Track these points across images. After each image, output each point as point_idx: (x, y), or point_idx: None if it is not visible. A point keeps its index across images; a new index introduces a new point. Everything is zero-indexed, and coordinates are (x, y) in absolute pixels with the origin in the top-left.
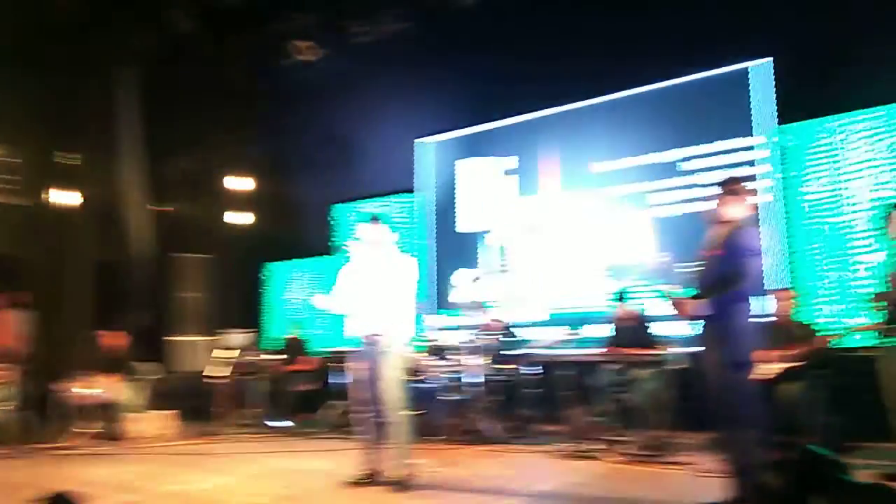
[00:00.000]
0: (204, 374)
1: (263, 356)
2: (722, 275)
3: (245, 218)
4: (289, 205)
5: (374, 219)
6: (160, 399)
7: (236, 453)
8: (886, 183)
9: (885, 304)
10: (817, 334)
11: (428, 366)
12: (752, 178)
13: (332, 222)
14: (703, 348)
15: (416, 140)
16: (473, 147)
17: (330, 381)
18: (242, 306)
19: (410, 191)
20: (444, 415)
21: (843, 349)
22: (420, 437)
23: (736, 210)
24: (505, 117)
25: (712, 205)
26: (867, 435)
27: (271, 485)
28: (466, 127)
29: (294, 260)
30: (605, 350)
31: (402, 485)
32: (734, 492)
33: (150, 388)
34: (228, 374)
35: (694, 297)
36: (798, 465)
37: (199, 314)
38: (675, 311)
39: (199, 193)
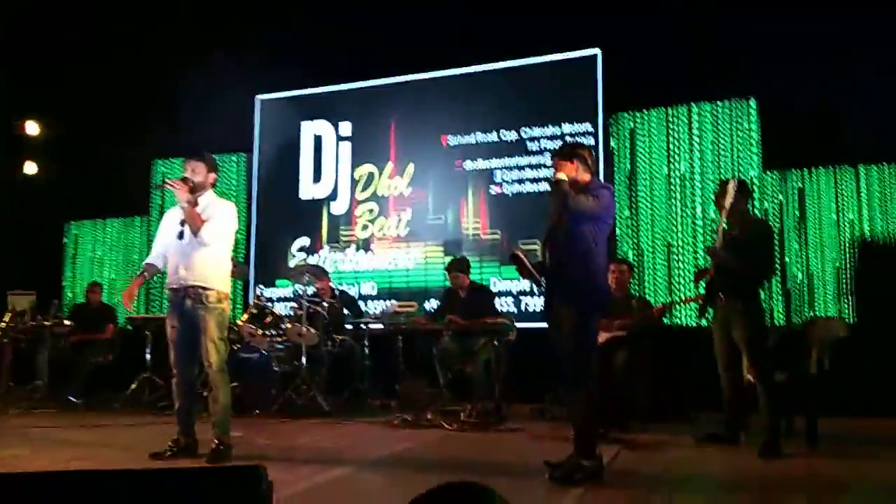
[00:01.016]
0: None
1: (54, 322)
2: (582, 235)
3: (45, 171)
4: (100, 158)
5: (192, 155)
6: None
7: (23, 427)
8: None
9: (706, 278)
10: (646, 306)
11: (255, 333)
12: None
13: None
14: (554, 307)
15: (258, 97)
16: (319, 109)
17: (145, 351)
18: (37, 268)
19: (248, 150)
20: (270, 385)
21: (672, 324)
22: (243, 408)
23: (581, 172)
24: (352, 81)
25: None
26: (694, 404)
27: (64, 455)
28: (311, 87)
29: (105, 219)
30: (442, 321)
31: (217, 456)
32: (574, 451)
33: None
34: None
35: (553, 257)
36: None
37: None
38: (530, 278)
39: None
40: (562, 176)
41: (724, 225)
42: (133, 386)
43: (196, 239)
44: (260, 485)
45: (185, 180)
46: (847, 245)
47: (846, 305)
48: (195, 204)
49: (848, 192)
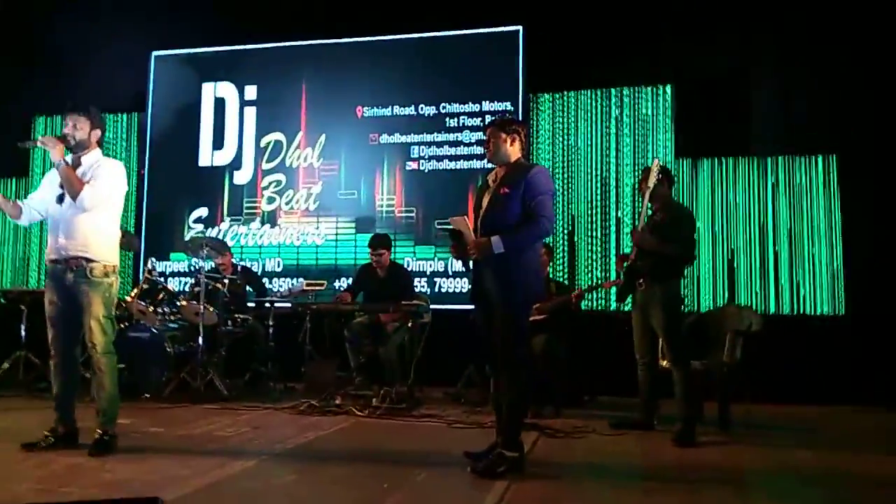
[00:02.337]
0: None
1: None
2: (520, 213)
3: None
4: None
5: (73, 108)
6: None
7: None
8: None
9: (626, 263)
10: (565, 290)
11: (146, 311)
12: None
13: (32, 138)
14: (487, 287)
15: (154, 53)
16: (222, 70)
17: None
18: None
19: (141, 110)
20: (162, 368)
21: (592, 309)
22: (132, 393)
23: (515, 149)
24: (261, 41)
25: (496, 144)
26: (608, 389)
27: None
28: (214, 45)
29: None
30: (352, 302)
31: (101, 448)
32: (498, 438)
33: None
34: None
35: (486, 236)
36: None
37: None
38: (463, 252)
39: None
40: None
41: (647, 209)
42: (6, 365)
43: (76, 203)
44: None
45: (63, 137)
46: (757, 234)
47: (760, 294)
48: (76, 165)
49: (757, 182)
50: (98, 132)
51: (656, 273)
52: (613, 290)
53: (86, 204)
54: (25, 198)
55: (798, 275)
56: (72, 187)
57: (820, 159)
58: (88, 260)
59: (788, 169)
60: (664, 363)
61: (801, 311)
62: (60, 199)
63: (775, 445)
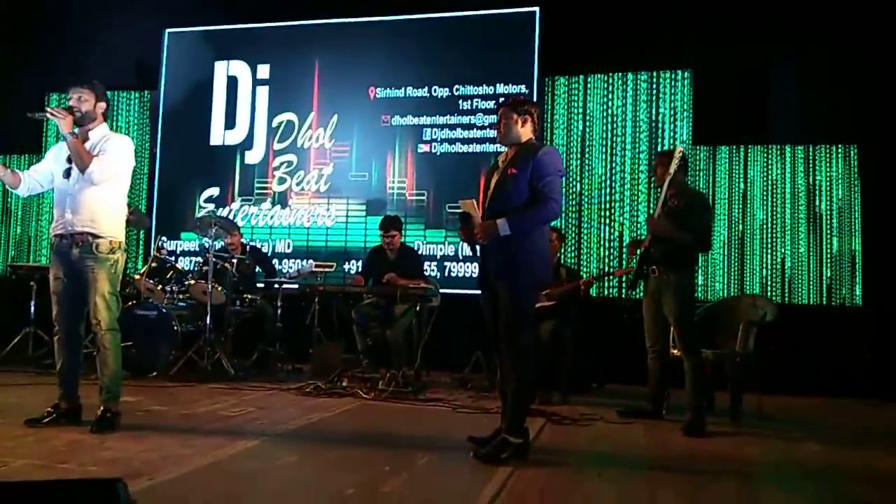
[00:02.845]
0: None
1: None
2: (528, 195)
3: None
4: None
5: (77, 81)
6: None
7: None
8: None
9: (639, 250)
10: (575, 277)
11: (154, 289)
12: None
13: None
14: (493, 271)
15: (167, 30)
16: (235, 49)
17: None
18: None
19: (154, 88)
20: (170, 346)
21: (602, 296)
22: (138, 370)
23: (527, 130)
24: (274, 19)
25: (507, 124)
26: (617, 377)
27: None
28: (227, 24)
29: None
30: (356, 283)
31: (103, 424)
32: (502, 424)
33: None
34: None
35: (494, 218)
36: None
37: None
38: (471, 236)
39: None
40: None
41: (664, 195)
42: (15, 340)
43: (84, 177)
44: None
45: (69, 110)
46: (776, 223)
47: (776, 284)
48: (84, 139)
49: (775, 171)
50: (103, 105)
51: (670, 261)
52: (624, 276)
53: (94, 177)
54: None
55: (815, 265)
56: (81, 160)
57: (840, 149)
58: (94, 236)
59: (808, 158)
60: (675, 352)
61: (818, 301)
62: (67, 174)
63: (785, 438)
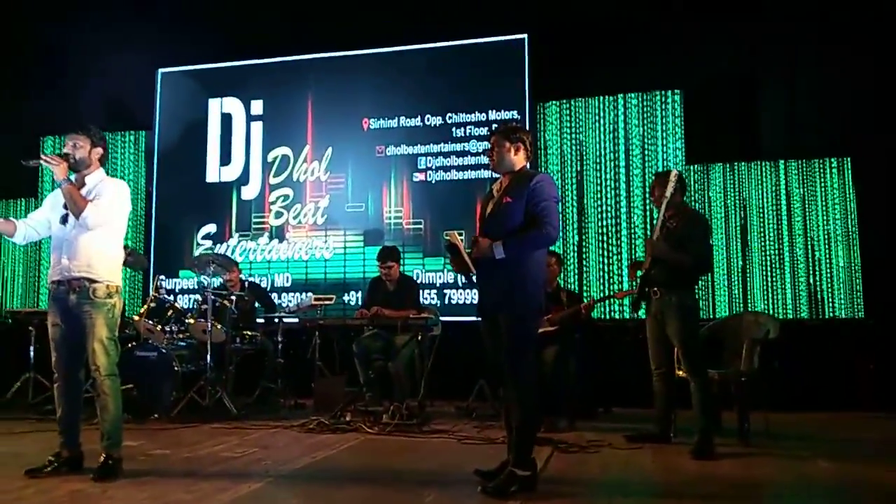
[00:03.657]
0: None
1: None
2: (525, 222)
3: None
4: None
5: (72, 127)
6: None
7: None
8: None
9: (640, 272)
10: (576, 300)
11: (154, 329)
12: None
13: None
14: (491, 300)
15: (160, 70)
16: (228, 86)
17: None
18: None
19: (148, 128)
20: (171, 387)
21: (604, 319)
22: (140, 413)
23: (520, 157)
24: (266, 56)
25: (500, 153)
26: (623, 400)
27: None
28: (220, 62)
29: None
30: (361, 315)
31: (105, 472)
32: (509, 455)
33: None
34: None
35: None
36: None
37: None
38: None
39: None
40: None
41: (662, 217)
42: (15, 387)
43: (79, 222)
44: None
45: (64, 156)
46: (771, 239)
47: (777, 300)
48: (80, 184)
49: (769, 187)
50: (99, 150)
51: (671, 282)
52: (626, 299)
53: (89, 222)
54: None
55: (815, 279)
56: (75, 206)
57: (834, 162)
58: (91, 280)
59: (802, 172)
60: (680, 373)
61: (819, 315)
62: (64, 220)
63: (795, 456)
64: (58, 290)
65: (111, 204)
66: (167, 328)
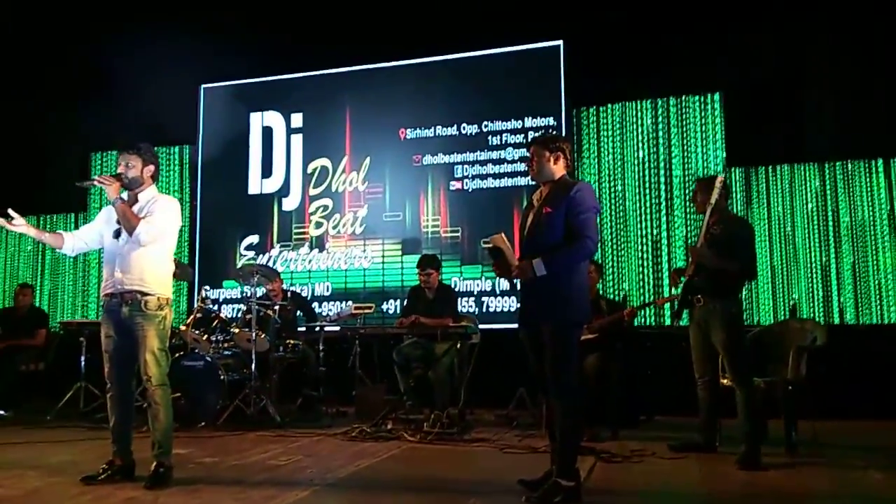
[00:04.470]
0: None
1: None
2: (564, 233)
3: None
4: (33, 152)
5: (124, 147)
6: None
7: None
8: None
9: (683, 278)
10: (616, 308)
11: (200, 339)
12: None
13: (91, 174)
14: (534, 310)
15: (203, 86)
16: (269, 100)
17: (80, 358)
18: None
19: (192, 142)
20: (217, 396)
21: (646, 326)
22: (187, 421)
23: (559, 166)
24: (305, 70)
25: (540, 162)
26: (667, 408)
27: None
28: (261, 76)
29: (40, 216)
30: (401, 323)
31: (157, 480)
32: (552, 465)
33: None
34: None
35: (531, 257)
36: None
37: None
38: (505, 270)
39: None
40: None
41: (706, 223)
42: (67, 396)
43: (132, 238)
44: None
45: (117, 176)
46: (817, 243)
47: (823, 305)
48: (133, 202)
49: (814, 189)
50: (151, 168)
51: (715, 289)
52: (667, 306)
53: (142, 239)
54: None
55: (862, 283)
56: (128, 223)
57: (880, 162)
58: (143, 293)
59: (847, 174)
60: (725, 381)
61: (867, 319)
62: (117, 234)
63: (844, 466)
64: (111, 303)
65: (163, 220)
66: (213, 338)
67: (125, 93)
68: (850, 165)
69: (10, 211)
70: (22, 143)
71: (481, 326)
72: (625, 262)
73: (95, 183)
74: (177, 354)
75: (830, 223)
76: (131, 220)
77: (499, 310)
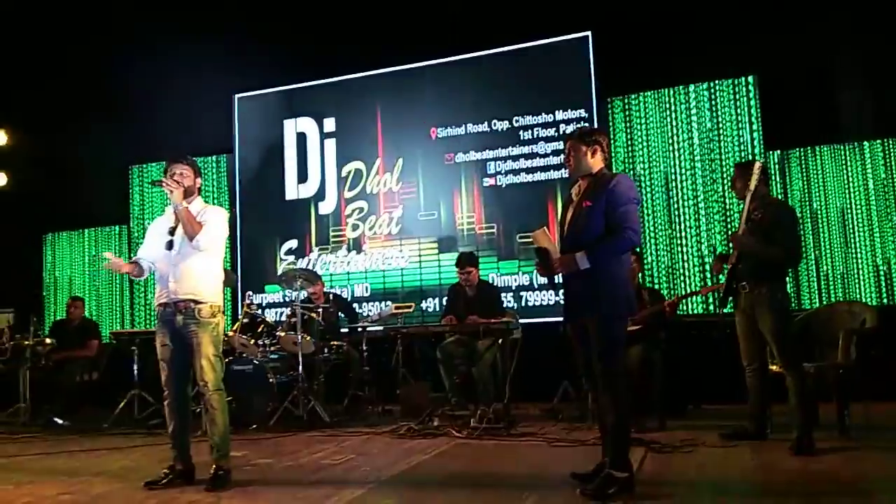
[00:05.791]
0: None
1: (35, 341)
2: (604, 226)
3: (17, 181)
4: (75, 166)
5: (176, 158)
6: None
7: (5, 456)
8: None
9: (726, 266)
10: (658, 298)
11: (248, 344)
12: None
13: (130, 188)
14: (579, 303)
15: (236, 95)
16: (301, 106)
17: (132, 366)
18: (13, 283)
19: (228, 152)
20: (267, 398)
21: (690, 315)
22: (239, 424)
23: (597, 160)
24: (334, 74)
25: (577, 157)
26: (712, 396)
27: (51, 490)
28: (292, 83)
29: (82, 230)
30: (443, 322)
31: (217, 482)
32: (604, 457)
33: None
34: None
35: (572, 252)
36: None
37: None
38: (550, 270)
39: None
40: None
41: (747, 210)
42: (122, 403)
43: (192, 244)
44: None
45: (178, 183)
46: (862, 224)
47: (871, 287)
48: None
49: (852, 170)
50: (199, 180)
51: (760, 275)
52: (712, 293)
53: (201, 245)
54: (134, 249)
55: None
56: (191, 228)
57: None
58: (196, 302)
59: (886, 152)
60: (774, 367)
61: None
62: (170, 245)
63: None
64: (165, 312)
65: (217, 229)
66: (260, 342)
67: (161, 106)
68: (888, 143)
69: (105, 254)
70: (63, 158)
71: (521, 321)
72: (665, 252)
73: (163, 185)
74: (226, 360)
75: (874, 202)
76: (194, 225)
77: (538, 304)
